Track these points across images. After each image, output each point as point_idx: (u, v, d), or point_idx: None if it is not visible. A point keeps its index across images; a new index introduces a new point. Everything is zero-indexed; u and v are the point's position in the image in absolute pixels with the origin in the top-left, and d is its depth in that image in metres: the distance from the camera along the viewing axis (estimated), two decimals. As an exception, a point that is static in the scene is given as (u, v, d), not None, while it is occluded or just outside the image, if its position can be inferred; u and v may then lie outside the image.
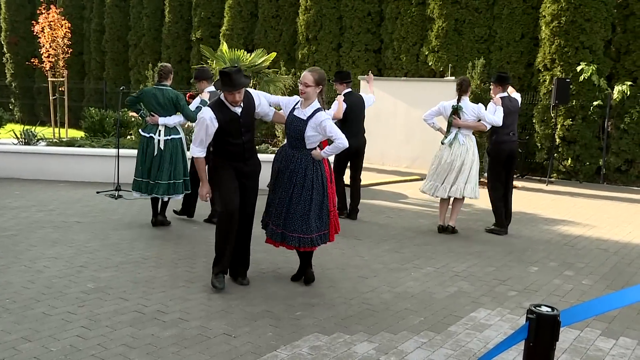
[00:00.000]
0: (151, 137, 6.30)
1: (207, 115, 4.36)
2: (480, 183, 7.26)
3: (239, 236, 4.62)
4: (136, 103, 6.45)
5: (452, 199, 6.81)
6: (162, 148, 6.26)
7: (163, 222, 6.55)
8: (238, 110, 4.47)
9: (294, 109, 4.55)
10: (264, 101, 4.67)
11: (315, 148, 4.56)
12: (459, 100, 6.66)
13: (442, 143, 6.76)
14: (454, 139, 6.66)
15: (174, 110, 6.36)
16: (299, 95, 4.59)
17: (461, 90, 6.65)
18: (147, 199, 6.66)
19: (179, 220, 6.94)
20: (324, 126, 4.41)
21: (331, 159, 7.02)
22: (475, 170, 6.68)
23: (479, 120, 6.69)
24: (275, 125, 14.19)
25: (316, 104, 4.50)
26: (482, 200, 7.73)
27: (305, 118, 4.46)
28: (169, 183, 6.28)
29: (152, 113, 6.36)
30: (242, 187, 4.58)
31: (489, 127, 6.73)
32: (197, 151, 4.47)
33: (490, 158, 7.03)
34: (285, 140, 4.68)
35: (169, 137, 6.32)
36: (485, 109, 6.74)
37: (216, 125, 4.39)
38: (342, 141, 4.42)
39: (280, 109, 4.76)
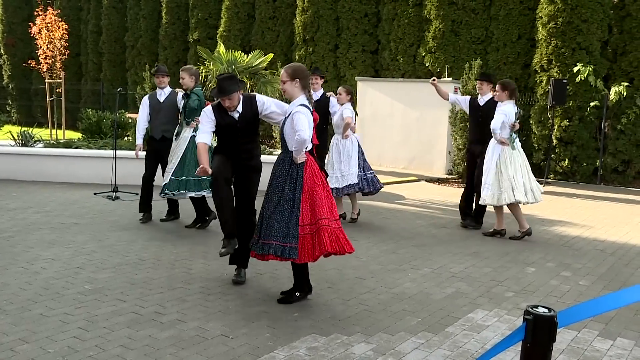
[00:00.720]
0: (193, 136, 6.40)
1: (208, 109, 4.67)
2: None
3: (239, 235, 4.58)
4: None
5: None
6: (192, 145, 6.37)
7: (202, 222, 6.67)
8: (235, 115, 4.59)
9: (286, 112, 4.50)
10: (274, 109, 4.60)
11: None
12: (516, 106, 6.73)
13: (513, 149, 6.67)
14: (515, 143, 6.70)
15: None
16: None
17: (513, 95, 6.67)
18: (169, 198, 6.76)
19: (176, 222, 6.94)
20: (293, 118, 4.13)
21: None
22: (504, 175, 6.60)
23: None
24: (272, 127, 14.19)
25: (300, 100, 4.24)
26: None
27: (287, 115, 4.30)
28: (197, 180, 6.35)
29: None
30: (239, 179, 4.69)
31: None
32: (200, 137, 4.66)
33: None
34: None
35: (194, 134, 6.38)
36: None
37: (213, 119, 4.62)
38: (300, 133, 4.03)
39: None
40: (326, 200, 4.17)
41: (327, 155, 7.39)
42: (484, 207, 7.10)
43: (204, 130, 4.64)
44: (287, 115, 4.28)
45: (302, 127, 4.06)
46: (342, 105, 7.15)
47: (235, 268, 4.81)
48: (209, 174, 4.51)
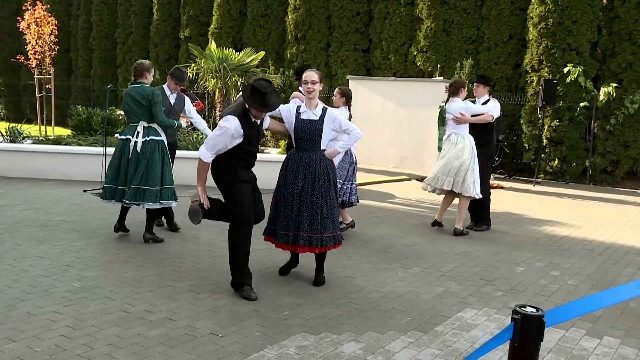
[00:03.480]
0: (127, 139, 5.72)
1: (233, 125, 4.11)
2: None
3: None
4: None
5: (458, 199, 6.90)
6: (139, 151, 5.65)
7: (154, 238, 5.84)
8: (258, 120, 4.36)
9: (299, 113, 4.53)
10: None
11: (325, 148, 4.61)
12: (446, 102, 6.93)
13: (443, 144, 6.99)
14: (447, 139, 6.91)
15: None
16: (301, 93, 4.67)
17: (450, 92, 6.90)
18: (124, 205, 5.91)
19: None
20: (339, 121, 4.57)
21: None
22: (470, 169, 6.72)
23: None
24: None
25: (321, 103, 4.61)
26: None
27: (318, 118, 4.49)
28: (138, 188, 5.61)
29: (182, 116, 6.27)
30: (254, 194, 4.51)
31: (495, 117, 6.92)
32: (208, 155, 4.23)
33: (486, 158, 7.07)
34: (295, 145, 4.60)
35: (147, 139, 5.68)
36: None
37: (241, 135, 4.18)
38: (358, 132, 4.63)
39: (278, 118, 4.71)
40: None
41: None
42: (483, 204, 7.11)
43: (215, 149, 4.20)
44: (318, 118, 4.49)
45: (352, 125, 4.62)
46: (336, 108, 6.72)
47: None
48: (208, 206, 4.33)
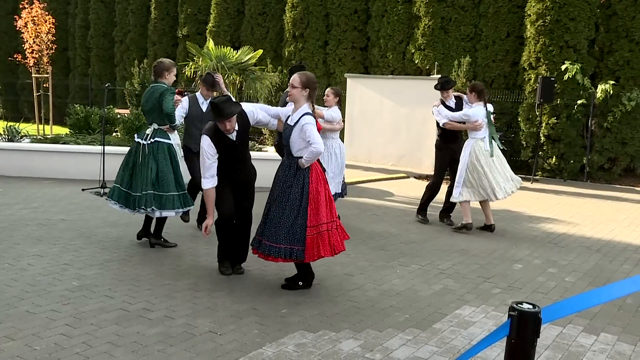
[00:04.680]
0: (138, 142, 5.48)
1: (205, 144, 4.48)
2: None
3: (239, 234, 4.83)
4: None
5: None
6: (146, 153, 5.39)
7: (159, 243, 5.62)
8: (233, 135, 4.58)
9: (287, 117, 4.54)
10: (262, 114, 4.69)
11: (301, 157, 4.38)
12: (485, 106, 6.90)
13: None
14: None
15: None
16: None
17: (481, 96, 6.90)
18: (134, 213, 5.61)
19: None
20: (305, 130, 4.26)
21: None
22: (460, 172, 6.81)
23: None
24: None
25: (304, 109, 4.39)
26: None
27: (292, 124, 4.39)
28: (147, 194, 5.31)
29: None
30: (237, 192, 4.76)
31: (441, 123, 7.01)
32: (205, 182, 4.55)
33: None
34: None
35: (152, 141, 5.41)
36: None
37: (214, 151, 4.50)
38: (316, 146, 4.19)
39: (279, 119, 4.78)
40: (328, 202, 4.39)
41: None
42: (454, 204, 7.17)
43: (210, 173, 4.51)
44: (293, 124, 4.36)
45: (316, 139, 4.23)
46: (329, 108, 6.74)
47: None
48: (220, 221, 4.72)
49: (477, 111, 6.74)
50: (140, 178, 5.35)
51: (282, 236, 4.29)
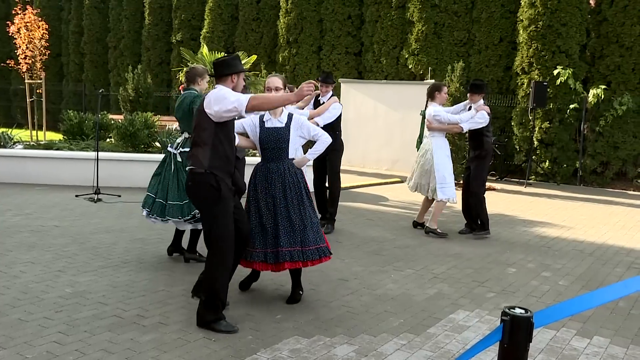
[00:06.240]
0: (170, 151, 5.31)
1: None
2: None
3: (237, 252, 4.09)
4: None
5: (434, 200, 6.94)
6: (177, 162, 5.20)
7: (194, 258, 5.35)
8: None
9: (263, 122, 4.32)
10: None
11: (294, 157, 4.39)
12: (426, 107, 7.06)
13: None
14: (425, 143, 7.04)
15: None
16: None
17: (427, 96, 7.04)
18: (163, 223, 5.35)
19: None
20: (307, 127, 4.38)
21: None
22: (440, 173, 6.74)
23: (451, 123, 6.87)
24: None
25: (286, 109, 4.43)
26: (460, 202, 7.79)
27: (284, 125, 4.30)
28: (175, 204, 5.13)
29: None
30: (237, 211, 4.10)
31: (465, 129, 6.84)
32: (244, 98, 3.67)
33: (483, 160, 7.01)
34: (261, 156, 4.34)
35: (182, 150, 5.18)
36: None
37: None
38: (326, 137, 4.49)
39: (244, 134, 4.42)
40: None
41: None
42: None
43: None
44: (285, 125, 4.29)
45: (321, 131, 4.48)
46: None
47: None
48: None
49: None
50: (171, 188, 5.19)
51: (312, 237, 4.20)
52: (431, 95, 6.92)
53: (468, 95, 7.06)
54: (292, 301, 4.38)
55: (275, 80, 4.38)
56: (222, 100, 3.65)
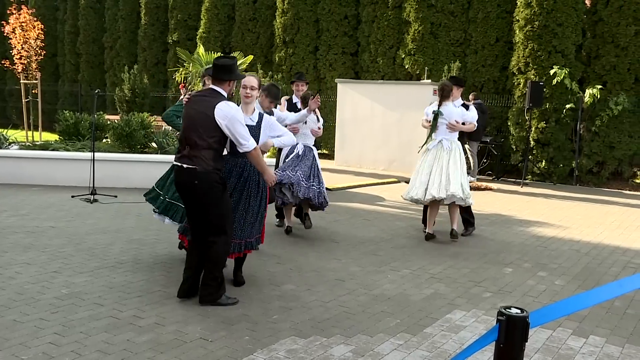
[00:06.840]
0: None
1: (235, 106, 4.22)
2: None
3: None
4: None
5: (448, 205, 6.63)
6: None
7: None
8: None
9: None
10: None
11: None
12: (439, 106, 6.53)
13: (428, 149, 6.60)
14: (438, 144, 6.54)
15: None
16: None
17: (442, 96, 6.53)
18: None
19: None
20: (276, 127, 4.71)
21: None
22: (458, 174, 6.45)
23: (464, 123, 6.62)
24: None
25: (257, 108, 4.72)
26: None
27: (255, 123, 4.54)
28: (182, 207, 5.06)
29: None
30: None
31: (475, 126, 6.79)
32: (253, 142, 4.20)
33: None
34: (230, 149, 4.47)
35: None
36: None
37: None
38: (291, 138, 4.80)
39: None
40: None
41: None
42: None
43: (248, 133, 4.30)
44: (256, 123, 4.55)
45: (285, 130, 4.78)
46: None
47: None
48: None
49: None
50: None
51: (256, 229, 4.58)
52: (448, 94, 6.46)
53: (454, 90, 6.64)
54: (238, 284, 4.71)
55: (252, 80, 4.59)
56: (234, 125, 4.09)
